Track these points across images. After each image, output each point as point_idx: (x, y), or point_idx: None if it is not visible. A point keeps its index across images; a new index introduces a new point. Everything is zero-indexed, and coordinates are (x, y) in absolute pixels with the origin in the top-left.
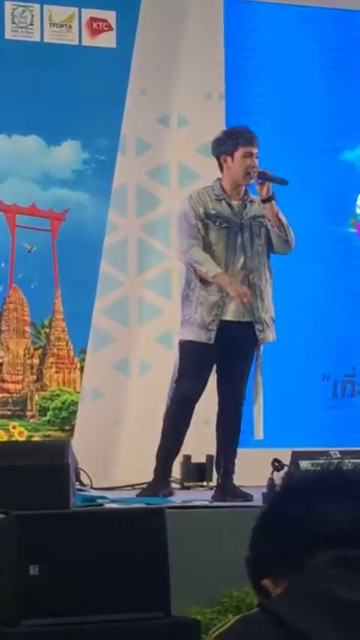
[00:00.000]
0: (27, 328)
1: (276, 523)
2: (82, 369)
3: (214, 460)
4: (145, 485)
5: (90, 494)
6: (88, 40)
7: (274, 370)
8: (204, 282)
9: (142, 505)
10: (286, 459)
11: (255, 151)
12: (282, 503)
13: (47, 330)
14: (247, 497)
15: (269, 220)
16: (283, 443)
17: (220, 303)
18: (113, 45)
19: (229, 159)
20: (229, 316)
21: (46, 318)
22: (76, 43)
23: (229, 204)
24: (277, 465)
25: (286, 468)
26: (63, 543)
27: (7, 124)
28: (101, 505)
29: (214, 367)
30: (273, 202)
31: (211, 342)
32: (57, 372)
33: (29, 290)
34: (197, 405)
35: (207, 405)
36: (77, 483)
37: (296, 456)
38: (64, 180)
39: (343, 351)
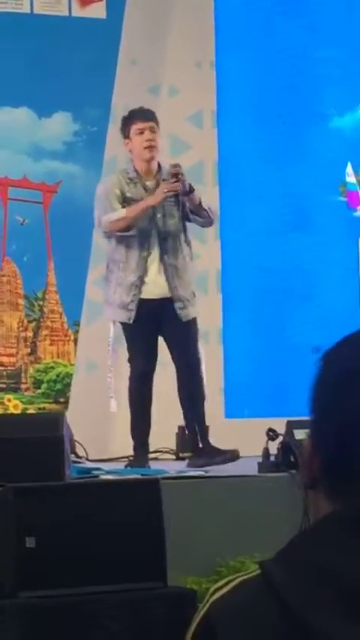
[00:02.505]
0: (20, 301)
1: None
2: (76, 341)
3: (186, 427)
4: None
5: (85, 466)
6: (77, 11)
7: (268, 341)
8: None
9: (138, 476)
10: (281, 429)
11: (148, 124)
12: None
13: (41, 303)
14: (234, 453)
15: (191, 212)
16: (278, 412)
17: (137, 284)
18: (103, 15)
19: (128, 141)
20: (148, 295)
21: (39, 291)
22: (66, 13)
23: (144, 187)
24: (271, 434)
25: (281, 437)
26: (59, 515)
27: None
28: (96, 477)
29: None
30: (193, 194)
31: (131, 321)
32: (51, 345)
33: (22, 263)
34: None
35: None
36: (72, 455)
37: (291, 425)
38: (55, 152)
39: (333, 323)
